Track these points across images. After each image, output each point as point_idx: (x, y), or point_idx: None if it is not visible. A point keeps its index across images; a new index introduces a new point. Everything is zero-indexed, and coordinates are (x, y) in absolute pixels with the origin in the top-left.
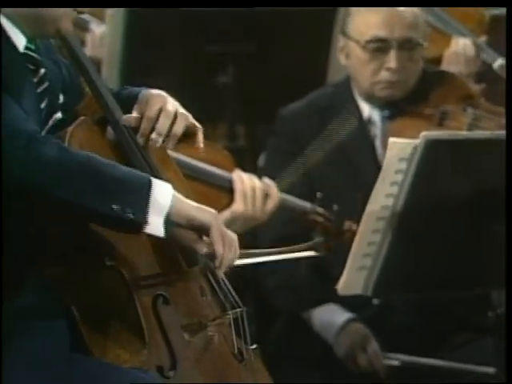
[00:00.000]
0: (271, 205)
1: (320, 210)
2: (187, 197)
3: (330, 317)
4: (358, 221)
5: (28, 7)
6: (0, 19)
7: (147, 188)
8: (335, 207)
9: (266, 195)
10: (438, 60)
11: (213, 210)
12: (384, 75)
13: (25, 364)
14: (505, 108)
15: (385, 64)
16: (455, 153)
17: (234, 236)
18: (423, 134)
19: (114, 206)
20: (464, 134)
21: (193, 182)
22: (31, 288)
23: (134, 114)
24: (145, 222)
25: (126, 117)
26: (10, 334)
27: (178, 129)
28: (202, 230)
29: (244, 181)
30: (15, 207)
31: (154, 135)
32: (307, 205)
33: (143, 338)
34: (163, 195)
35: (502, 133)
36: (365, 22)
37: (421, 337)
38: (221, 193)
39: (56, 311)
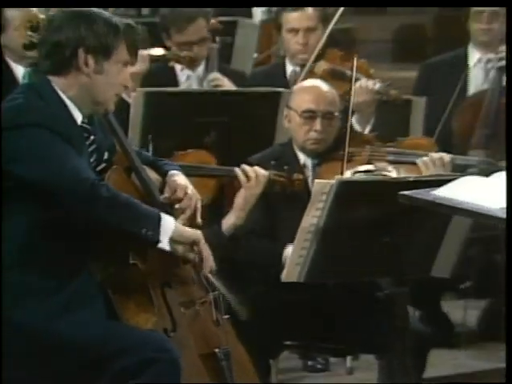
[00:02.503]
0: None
1: (276, 172)
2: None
3: None
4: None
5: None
6: (66, 102)
7: (159, 219)
8: (285, 167)
9: (257, 176)
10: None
11: (199, 231)
12: (312, 135)
13: (75, 325)
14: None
15: (313, 127)
16: (357, 189)
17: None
18: (336, 177)
19: (143, 230)
20: (363, 177)
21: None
22: (82, 277)
23: (167, 195)
24: (158, 240)
25: (163, 197)
26: (67, 305)
27: (193, 203)
28: (193, 243)
29: (247, 170)
30: (73, 229)
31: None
32: (268, 172)
33: (154, 309)
34: (168, 224)
35: (389, 177)
36: (301, 99)
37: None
38: (209, 179)
39: (96, 291)
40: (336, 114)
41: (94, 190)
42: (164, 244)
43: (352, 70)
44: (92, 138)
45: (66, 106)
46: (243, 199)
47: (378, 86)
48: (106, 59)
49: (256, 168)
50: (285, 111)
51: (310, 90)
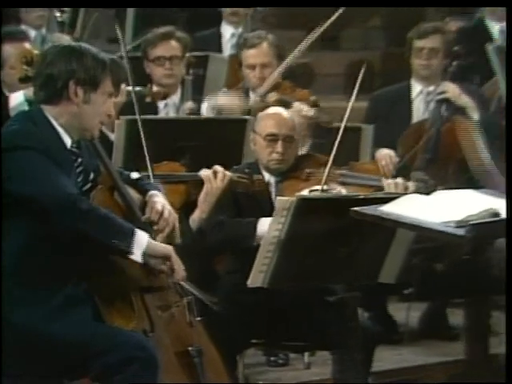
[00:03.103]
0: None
1: (239, 174)
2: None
3: None
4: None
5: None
6: (57, 129)
7: (132, 234)
8: (247, 170)
9: (216, 172)
10: None
11: (170, 247)
12: (275, 156)
13: (67, 327)
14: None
15: (275, 149)
16: (314, 205)
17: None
18: (296, 194)
19: (115, 241)
20: (319, 195)
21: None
22: (73, 284)
23: (147, 216)
24: (130, 252)
25: (144, 217)
26: (60, 309)
27: (171, 223)
28: (165, 257)
29: (206, 172)
30: (65, 242)
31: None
32: (232, 174)
33: (134, 312)
34: (142, 239)
35: (342, 194)
36: (265, 124)
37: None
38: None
39: (85, 297)
40: (295, 137)
41: (76, 203)
42: (136, 256)
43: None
44: (79, 160)
45: (57, 132)
46: (205, 193)
47: (312, 112)
48: (94, 91)
49: (216, 166)
50: (251, 135)
51: (272, 117)
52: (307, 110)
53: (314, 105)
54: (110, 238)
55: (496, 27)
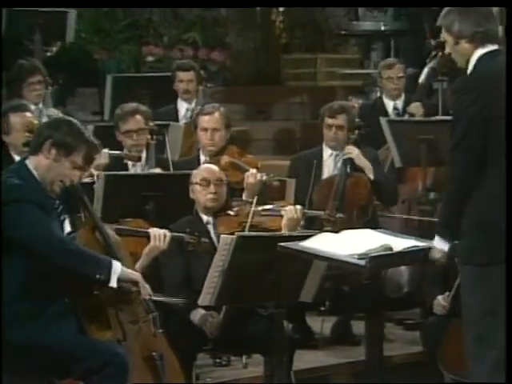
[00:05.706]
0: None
1: (190, 236)
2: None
3: (196, 313)
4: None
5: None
6: (38, 180)
7: (110, 265)
8: (196, 233)
9: (165, 236)
10: (241, 181)
11: (138, 273)
12: (209, 196)
13: (57, 338)
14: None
15: (209, 190)
16: (250, 241)
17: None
18: (236, 233)
19: (97, 275)
20: (254, 233)
21: (129, 237)
22: (60, 301)
23: None
24: (109, 282)
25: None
26: (50, 324)
27: None
28: (134, 281)
29: (155, 231)
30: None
31: None
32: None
33: (110, 326)
34: (117, 267)
35: (271, 233)
36: (199, 173)
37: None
38: (143, 239)
39: (70, 312)
40: (224, 181)
41: (65, 246)
42: (113, 283)
43: None
44: (57, 202)
45: (39, 182)
46: (149, 248)
47: (264, 177)
48: (65, 156)
49: (164, 230)
50: (190, 187)
51: (204, 167)
52: (261, 176)
53: (259, 169)
54: (94, 272)
55: (391, 104)
